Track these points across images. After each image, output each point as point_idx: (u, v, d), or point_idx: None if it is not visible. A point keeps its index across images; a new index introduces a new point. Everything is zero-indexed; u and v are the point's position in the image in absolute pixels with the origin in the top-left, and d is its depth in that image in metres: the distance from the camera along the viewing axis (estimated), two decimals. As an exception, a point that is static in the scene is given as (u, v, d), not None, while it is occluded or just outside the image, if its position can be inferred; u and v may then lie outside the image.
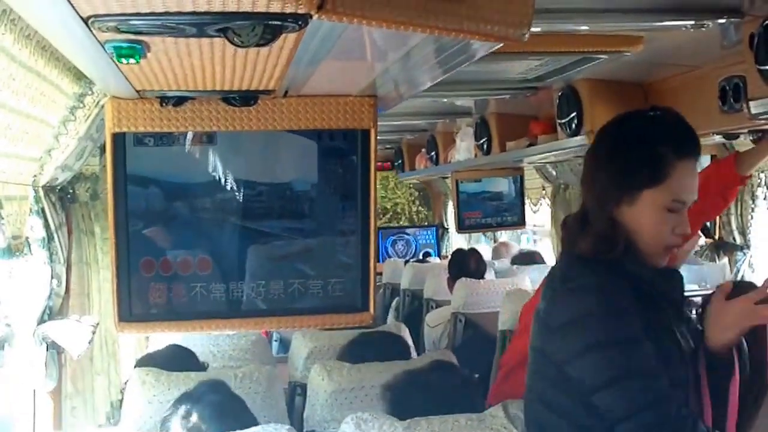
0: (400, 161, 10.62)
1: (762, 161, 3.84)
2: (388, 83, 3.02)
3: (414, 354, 4.62)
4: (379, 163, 10.75)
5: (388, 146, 10.68)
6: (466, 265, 6.99)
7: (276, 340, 7.27)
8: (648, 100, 5.12)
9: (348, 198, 3.38)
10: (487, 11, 1.87)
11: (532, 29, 3.58)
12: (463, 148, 7.48)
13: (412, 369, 3.56)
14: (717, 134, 4.58)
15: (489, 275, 7.21)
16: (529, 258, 8.34)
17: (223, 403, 3.26)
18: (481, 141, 6.92)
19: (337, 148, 3.34)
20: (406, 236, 11.66)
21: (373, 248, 3.42)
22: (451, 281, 6.86)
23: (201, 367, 4.16)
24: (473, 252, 7.31)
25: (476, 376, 5.48)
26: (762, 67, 3.40)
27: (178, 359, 4.10)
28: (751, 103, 3.58)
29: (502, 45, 2.17)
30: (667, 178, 2.65)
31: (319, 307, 3.45)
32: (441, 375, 3.44)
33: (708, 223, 5.66)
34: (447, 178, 9.66)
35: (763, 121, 3.83)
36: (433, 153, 8.74)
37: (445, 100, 6.42)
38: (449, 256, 7.79)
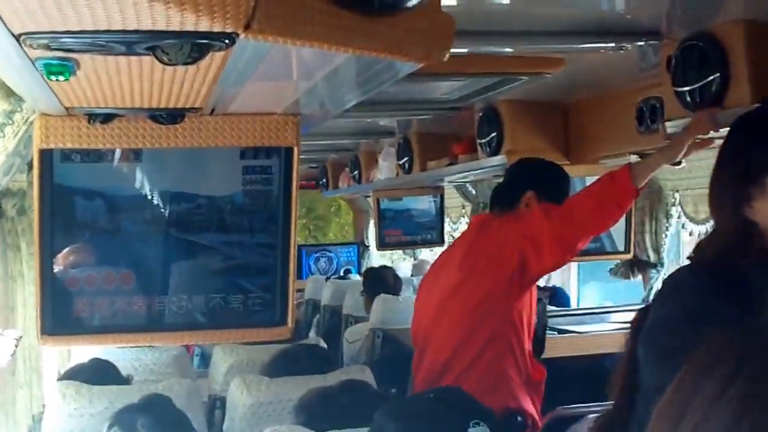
0: (324, 180, 10.64)
1: (653, 173, 3.81)
2: (312, 102, 3.03)
3: (333, 368, 4.64)
4: (304, 182, 10.78)
5: (313, 165, 10.69)
6: (383, 282, 7.06)
7: (197, 355, 7.25)
8: (568, 121, 5.18)
9: (270, 214, 3.39)
10: (409, 32, 1.88)
11: (455, 50, 3.61)
12: (385, 168, 7.52)
13: (328, 384, 3.59)
14: (633, 154, 4.65)
15: (408, 292, 7.24)
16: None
17: (165, 417, 3.26)
18: (403, 160, 6.97)
19: (260, 166, 3.35)
20: (328, 253, 11.68)
21: (292, 264, 3.43)
22: (368, 299, 6.92)
23: (123, 380, 4.14)
24: (388, 269, 7.37)
25: (393, 390, 5.52)
26: (678, 89, 3.43)
27: (100, 373, 4.07)
28: (667, 124, 3.62)
29: (423, 65, 2.18)
30: None
31: (239, 322, 3.45)
32: (355, 390, 3.47)
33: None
34: (369, 196, 9.71)
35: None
36: (356, 172, 8.77)
37: (369, 120, 6.45)
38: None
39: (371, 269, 7.63)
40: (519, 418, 4.37)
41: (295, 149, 3.31)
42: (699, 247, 2.44)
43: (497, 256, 4.30)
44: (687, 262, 2.46)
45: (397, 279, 7.18)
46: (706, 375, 0.73)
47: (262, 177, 3.37)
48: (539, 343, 4.91)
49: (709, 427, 0.70)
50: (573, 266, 8.06)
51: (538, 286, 4.63)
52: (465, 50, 3.66)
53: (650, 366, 2.30)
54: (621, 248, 5.68)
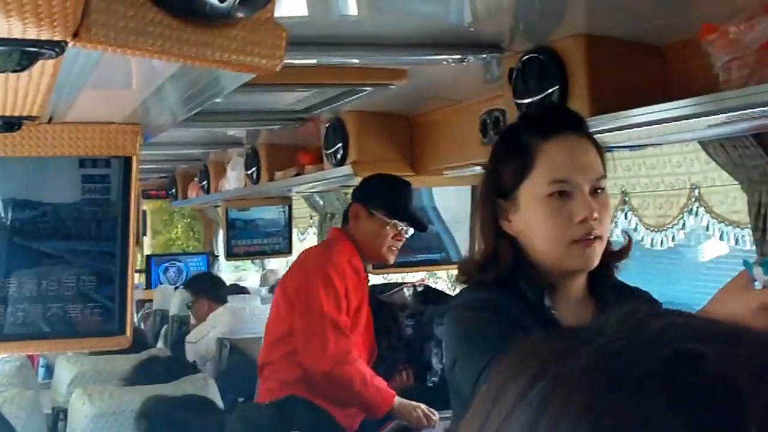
0: (174, 190, 10.51)
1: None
2: (151, 111, 2.95)
3: (178, 377, 4.58)
4: (153, 192, 10.64)
5: (162, 175, 10.57)
6: (209, 288, 7.16)
7: (43, 366, 7.08)
8: (413, 132, 5.17)
9: (110, 223, 3.30)
10: (240, 42, 1.84)
11: (300, 61, 3.63)
12: (234, 178, 7.49)
13: (169, 394, 3.53)
14: (477, 165, 4.64)
15: (256, 302, 7.20)
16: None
17: None
18: (251, 171, 6.92)
19: (99, 175, 3.26)
20: (177, 263, 11.50)
21: (131, 273, 3.34)
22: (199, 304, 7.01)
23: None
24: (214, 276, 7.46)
25: (241, 399, 5.47)
26: (520, 101, 3.44)
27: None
28: (509, 136, 3.60)
29: (267, 76, 2.14)
30: (536, 161, 2.32)
31: (77, 331, 3.34)
32: (195, 400, 3.43)
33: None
34: (219, 206, 9.63)
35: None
36: (205, 182, 8.71)
37: (218, 130, 6.37)
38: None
39: (197, 276, 7.66)
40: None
41: (134, 159, 3.22)
42: (465, 267, 2.49)
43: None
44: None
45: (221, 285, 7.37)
46: (512, 379, 0.75)
47: (102, 186, 3.28)
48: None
49: (510, 427, 0.72)
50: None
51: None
52: (311, 61, 3.62)
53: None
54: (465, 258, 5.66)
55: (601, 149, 2.41)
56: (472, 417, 0.78)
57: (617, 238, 2.59)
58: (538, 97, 3.33)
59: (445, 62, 3.57)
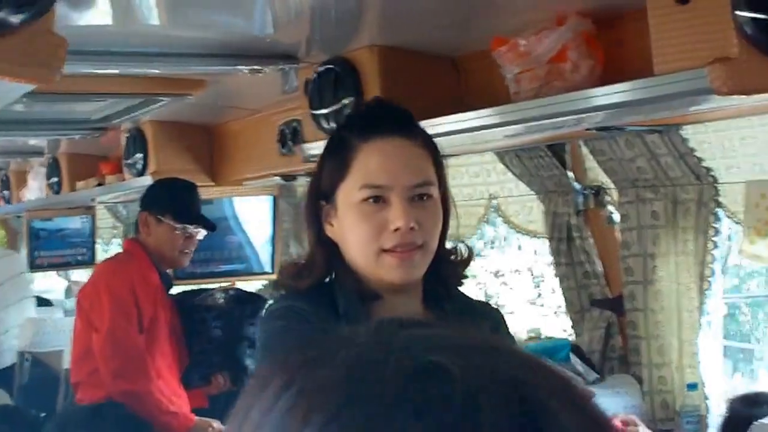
0: (-25, 199, 10.13)
1: None
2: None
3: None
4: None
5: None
6: None
7: None
8: (213, 142, 5.10)
9: None
10: (18, 53, 1.77)
11: (97, 70, 3.51)
12: (35, 188, 7.26)
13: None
14: (276, 176, 4.58)
15: (59, 313, 6.99)
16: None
17: None
18: (52, 180, 6.70)
19: None
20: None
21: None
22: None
23: None
24: None
25: (42, 415, 5.27)
26: (315, 112, 3.39)
27: None
28: (305, 146, 3.58)
29: (61, 84, 2.04)
30: (351, 163, 2.14)
31: None
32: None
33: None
34: (22, 216, 9.30)
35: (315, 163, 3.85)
36: (6, 192, 8.40)
37: (17, 139, 6.15)
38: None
39: None
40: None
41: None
42: (283, 272, 2.33)
43: None
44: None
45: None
46: (261, 391, 0.74)
47: None
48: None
49: None
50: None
51: None
52: (111, 71, 3.51)
53: None
54: (267, 269, 5.62)
55: (435, 153, 2.22)
56: (228, 429, 0.77)
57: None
58: (333, 108, 3.29)
59: (241, 72, 3.48)
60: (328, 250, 2.20)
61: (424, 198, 2.14)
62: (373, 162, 2.13)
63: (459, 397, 0.68)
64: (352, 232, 2.14)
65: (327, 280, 2.23)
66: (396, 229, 2.09)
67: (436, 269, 2.21)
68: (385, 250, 2.11)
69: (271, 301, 2.40)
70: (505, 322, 2.38)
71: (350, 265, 2.17)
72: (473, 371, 0.70)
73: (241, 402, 0.76)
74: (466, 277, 2.33)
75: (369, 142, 2.14)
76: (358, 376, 0.71)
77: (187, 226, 4.38)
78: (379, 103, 2.33)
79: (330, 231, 2.20)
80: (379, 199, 2.11)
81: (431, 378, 0.69)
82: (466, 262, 2.32)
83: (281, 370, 0.75)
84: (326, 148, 2.25)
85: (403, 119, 2.22)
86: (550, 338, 4.16)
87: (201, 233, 4.47)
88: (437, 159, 2.22)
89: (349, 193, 2.14)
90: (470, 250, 2.37)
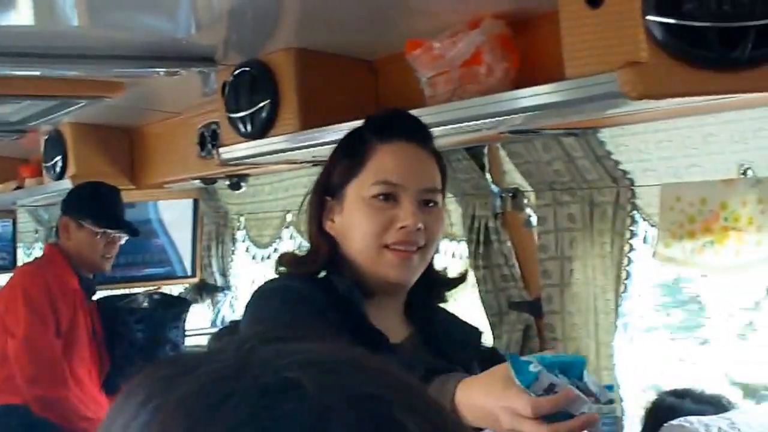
0: None
1: None
2: None
3: None
4: None
5: None
6: None
7: None
8: (134, 145, 5.04)
9: None
10: None
11: (9, 72, 3.44)
12: (-46, 191, 7.08)
13: None
14: (196, 179, 4.52)
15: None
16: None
17: None
18: (-30, 183, 6.57)
19: None
20: None
21: None
22: None
23: None
24: None
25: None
26: (232, 115, 3.35)
27: None
28: (222, 149, 3.53)
29: None
30: (367, 161, 2.19)
31: None
32: None
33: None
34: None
35: (233, 167, 3.82)
36: (-76, 195, 8.22)
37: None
38: None
39: None
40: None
41: None
42: (283, 259, 2.33)
43: None
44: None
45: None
46: (123, 406, 0.73)
47: None
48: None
49: None
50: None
51: None
52: (30, 72, 3.51)
53: None
54: (189, 272, 5.55)
55: (442, 165, 2.27)
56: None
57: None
58: (250, 111, 3.26)
59: (158, 75, 3.44)
60: (331, 243, 2.22)
61: (431, 204, 2.20)
62: (389, 161, 2.19)
63: (312, 414, 0.68)
64: (359, 226, 2.17)
65: (321, 275, 2.25)
66: (402, 227, 2.13)
67: (424, 280, 2.24)
68: (387, 247, 2.15)
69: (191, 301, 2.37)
70: (482, 340, 2.40)
71: (349, 260, 2.20)
72: (328, 388, 0.70)
73: (108, 414, 0.75)
74: (446, 297, 2.37)
75: (387, 143, 2.20)
76: (213, 393, 0.70)
77: (108, 230, 4.32)
78: (397, 111, 2.36)
79: (330, 227, 2.23)
80: (389, 197, 2.16)
81: (284, 395, 0.69)
82: (457, 281, 2.37)
83: (144, 384, 0.74)
84: (341, 146, 2.30)
85: (421, 127, 2.29)
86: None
87: (123, 238, 4.41)
88: (444, 171, 2.27)
89: (360, 189, 2.18)
90: (465, 271, 2.42)
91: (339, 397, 0.69)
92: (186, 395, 0.70)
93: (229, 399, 0.69)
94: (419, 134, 2.26)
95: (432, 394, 1.76)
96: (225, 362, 0.73)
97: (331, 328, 2.05)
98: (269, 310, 2.16)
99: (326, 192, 2.24)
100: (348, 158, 2.23)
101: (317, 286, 2.20)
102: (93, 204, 4.33)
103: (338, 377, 0.72)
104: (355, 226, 2.18)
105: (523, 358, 1.73)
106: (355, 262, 2.19)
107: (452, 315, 2.39)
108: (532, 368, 1.69)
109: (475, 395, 1.79)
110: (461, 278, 2.39)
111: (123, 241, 4.42)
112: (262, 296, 2.23)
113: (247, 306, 2.26)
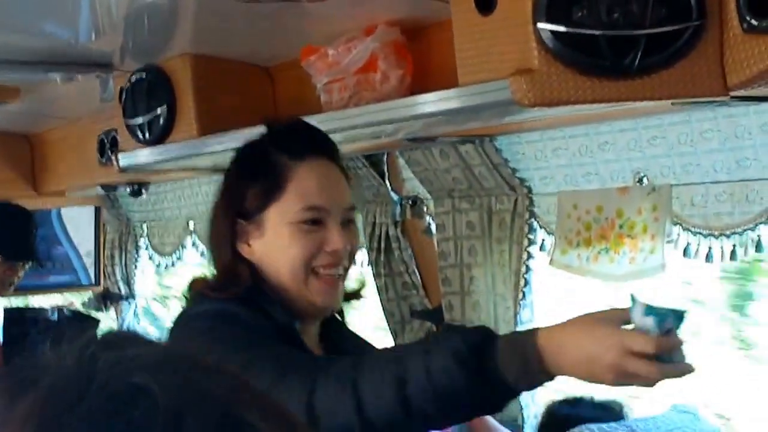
0: None
1: None
2: None
3: None
4: None
5: None
6: None
7: None
8: (34, 152, 4.94)
9: None
10: None
11: None
12: None
13: None
14: (98, 185, 4.41)
15: None
16: None
17: None
18: None
19: None
20: None
21: None
22: None
23: None
24: None
25: None
26: (129, 121, 3.28)
27: None
28: (121, 156, 3.44)
29: None
30: (286, 183, 2.09)
31: None
32: None
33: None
34: None
35: (133, 174, 3.74)
36: None
37: None
38: None
39: None
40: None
41: None
42: (197, 284, 2.20)
43: None
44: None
45: None
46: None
47: None
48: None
49: None
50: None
51: None
52: None
53: None
54: (93, 281, 5.43)
55: (350, 179, 2.22)
56: None
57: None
58: (147, 117, 3.19)
59: (53, 81, 3.34)
60: (250, 267, 2.13)
61: (349, 223, 2.16)
62: (311, 184, 2.11)
63: (161, 418, 0.66)
64: (287, 250, 2.10)
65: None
66: (333, 251, 2.09)
67: None
68: (314, 271, 2.10)
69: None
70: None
71: (272, 284, 2.12)
72: (176, 391, 0.68)
73: None
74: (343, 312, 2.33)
75: (301, 162, 2.12)
76: (59, 404, 0.67)
77: (15, 263, 4.17)
78: (300, 123, 2.26)
79: (247, 251, 2.13)
80: (316, 221, 2.10)
81: (133, 401, 0.67)
82: (352, 296, 2.31)
83: None
84: (247, 164, 2.19)
85: (329, 141, 2.23)
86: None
87: (27, 265, 4.26)
88: (351, 185, 2.23)
89: (284, 213, 2.09)
90: (361, 286, 2.34)
91: (188, 400, 0.68)
92: (29, 409, 0.67)
93: (76, 409, 0.66)
94: (329, 149, 2.20)
95: (504, 348, 1.75)
96: (69, 371, 0.70)
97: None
98: (216, 336, 2.01)
99: (239, 215, 2.13)
100: (262, 180, 2.12)
101: (254, 313, 2.08)
102: (2, 233, 4.16)
103: (186, 380, 0.71)
104: (281, 250, 2.10)
105: (640, 301, 1.71)
106: (280, 286, 2.12)
107: (351, 332, 2.35)
108: (647, 311, 1.68)
109: (568, 338, 1.73)
110: (356, 294, 2.32)
111: (27, 269, 4.27)
112: (198, 323, 2.08)
113: (180, 335, 2.11)
